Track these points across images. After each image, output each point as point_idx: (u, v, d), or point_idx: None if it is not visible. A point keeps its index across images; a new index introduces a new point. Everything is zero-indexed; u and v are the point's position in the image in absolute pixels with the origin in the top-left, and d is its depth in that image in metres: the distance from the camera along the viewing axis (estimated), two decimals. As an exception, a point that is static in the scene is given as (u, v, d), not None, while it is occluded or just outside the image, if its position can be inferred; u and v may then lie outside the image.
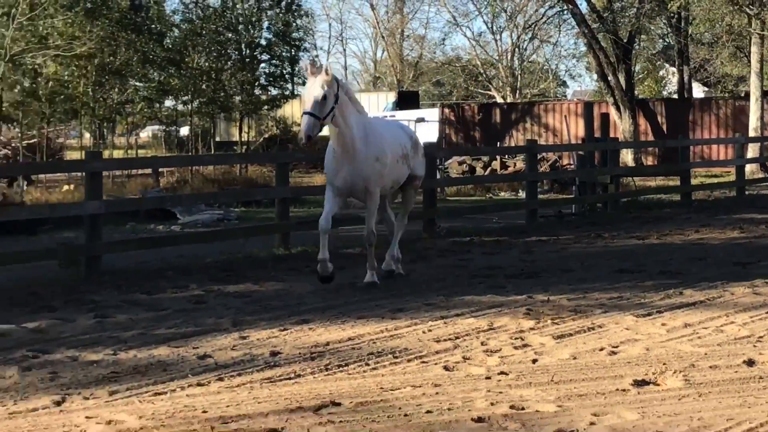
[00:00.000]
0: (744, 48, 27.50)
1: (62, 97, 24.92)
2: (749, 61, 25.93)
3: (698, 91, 36.29)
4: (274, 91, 33.82)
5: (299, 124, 39.37)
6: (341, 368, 6.75)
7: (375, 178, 9.31)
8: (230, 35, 31.52)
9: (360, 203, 11.04)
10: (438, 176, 17.86)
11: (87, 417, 5.44)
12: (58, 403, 5.83)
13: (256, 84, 33.44)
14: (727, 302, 9.70)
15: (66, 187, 18.65)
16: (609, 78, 27.29)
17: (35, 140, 27.86)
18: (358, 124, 10.06)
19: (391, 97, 43.19)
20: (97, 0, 25.69)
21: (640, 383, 6.25)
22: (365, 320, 8.45)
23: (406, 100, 41.83)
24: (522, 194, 17.72)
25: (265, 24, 32.70)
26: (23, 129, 27.34)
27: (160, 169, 20.82)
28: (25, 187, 21.35)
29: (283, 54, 33.52)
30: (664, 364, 6.86)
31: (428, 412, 5.48)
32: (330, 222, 9.78)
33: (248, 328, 8.30)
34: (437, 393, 6.09)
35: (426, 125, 30.51)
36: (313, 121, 8.45)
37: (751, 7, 23.15)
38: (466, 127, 32.66)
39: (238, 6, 31.18)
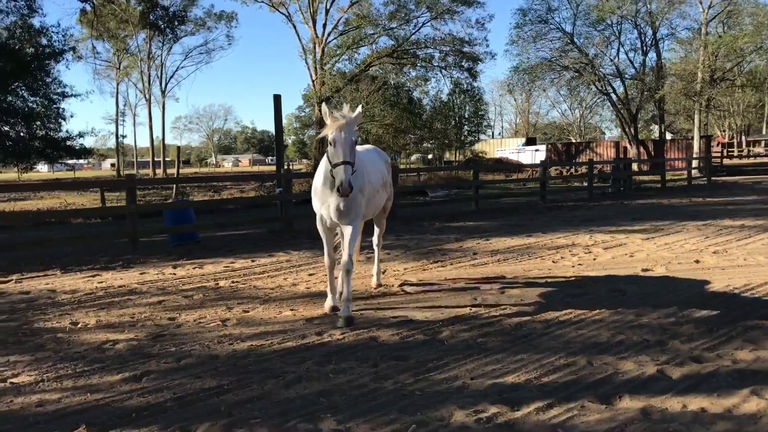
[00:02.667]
0: (692, 115, 45.61)
1: (381, 144, 44.06)
2: (693, 121, 44.21)
3: (668, 136, 55.41)
4: (469, 138, 58.44)
5: (482, 153, 52.89)
6: (505, 260, 10.43)
7: (359, 208, 6.99)
8: (451, 113, 55.71)
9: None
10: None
11: (394, 279, 9.20)
12: (383, 272, 9.57)
13: (463, 134, 57.42)
14: (686, 232, 13.23)
15: None
16: (626, 129, 44.15)
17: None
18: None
19: (522, 139, 71.15)
20: (394, 100, 46.07)
21: (645, 270, 9.31)
22: (513, 238, 12.70)
23: (530, 141, 68.15)
24: (586, 183, 25.21)
25: (467, 108, 57.32)
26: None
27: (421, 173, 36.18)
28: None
29: (472, 119, 58.67)
30: (656, 261, 9.95)
31: (545, 281, 8.79)
32: (335, 256, 7.49)
33: (464, 241, 12.60)
34: (549, 272, 9.35)
35: (540, 153, 53.15)
36: (350, 169, 6.25)
37: (694, 98, 41.04)
38: (559, 153, 52.00)
39: (456, 100, 56.26)
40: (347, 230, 6.89)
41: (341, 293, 6.94)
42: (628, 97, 44.15)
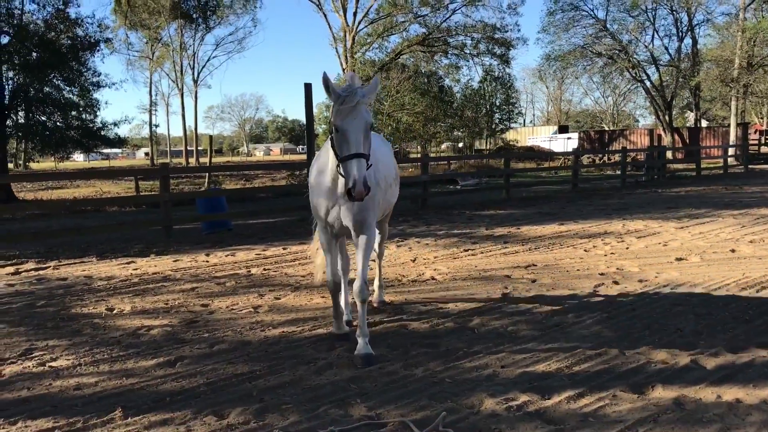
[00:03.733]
0: (728, 102, 44.50)
1: (411, 133, 45.51)
2: (730, 108, 43.34)
3: (704, 123, 53.52)
4: (500, 126, 56.79)
5: (513, 141, 56.58)
6: (536, 249, 10.36)
7: (376, 209, 5.43)
8: (482, 101, 53.84)
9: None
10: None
11: (425, 267, 9.21)
12: (413, 260, 9.67)
13: (494, 122, 55.66)
14: (721, 221, 12.99)
15: (410, 170, 30.80)
16: (660, 117, 43.21)
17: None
18: None
19: (554, 127, 70.17)
20: (425, 88, 45.38)
21: (679, 259, 9.16)
22: (545, 227, 12.59)
23: (562, 129, 67.65)
24: (619, 172, 24.68)
25: (498, 96, 55.20)
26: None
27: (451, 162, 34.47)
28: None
29: (503, 107, 56.30)
30: (690, 250, 9.81)
31: (577, 270, 8.62)
32: (340, 274, 5.83)
33: (494, 230, 12.53)
34: (581, 260, 9.26)
35: (572, 141, 53.09)
36: (365, 164, 4.58)
37: (731, 84, 40.27)
38: (591, 141, 51.28)
39: (487, 87, 53.95)
40: (361, 240, 5.23)
41: (355, 323, 5.50)
42: (662, 83, 43.72)
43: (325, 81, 4.59)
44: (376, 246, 6.62)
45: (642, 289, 7.44)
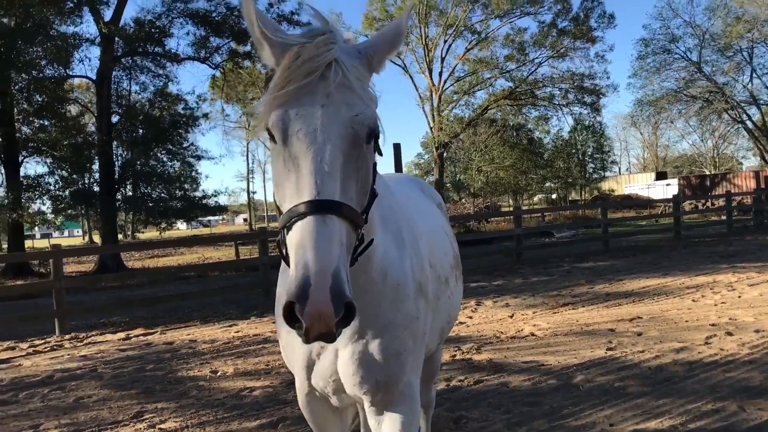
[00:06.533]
0: None
1: (495, 185, 45.56)
2: None
3: None
4: (594, 175, 55.27)
5: (609, 191, 51.37)
6: (640, 300, 9.99)
7: (417, 349, 2.31)
8: (573, 151, 52.78)
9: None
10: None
11: (523, 323, 9.01)
12: (511, 316, 9.51)
13: (587, 171, 54.47)
14: None
15: (503, 223, 30.54)
16: (766, 158, 42.02)
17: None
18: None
19: (652, 174, 67.18)
20: (514, 141, 45.34)
21: None
22: (648, 277, 12.16)
23: (660, 175, 64.46)
24: (724, 217, 23.71)
25: (590, 145, 53.84)
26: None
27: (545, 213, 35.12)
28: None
29: (596, 156, 54.95)
30: None
31: (685, 321, 8.24)
32: None
33: (595, 282, 12.17)
34: (689, 311, 8.86)
35: (671, 187, 49.84)
36: (346, 233, 1.67)
37: None
38: (692, 186, 48.61)
39: (577, 137, 52.94)
40: (386, 426, 2.40)
41: None
42: (765, 123, 41.50)
43: (248, 8, 1.85)
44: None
45: (759, 340, 7.04)
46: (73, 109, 30.54)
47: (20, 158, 23.99)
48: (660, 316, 8.77)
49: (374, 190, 1.90)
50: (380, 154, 1.93)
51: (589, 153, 55.68)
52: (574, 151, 53.47)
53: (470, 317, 9.64)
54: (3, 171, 23.53)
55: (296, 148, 1.74)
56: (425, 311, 2.44)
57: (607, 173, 59.77)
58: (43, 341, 9.97)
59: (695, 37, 40.66)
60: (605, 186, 62.57)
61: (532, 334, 8.15)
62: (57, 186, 25.06)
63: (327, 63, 1.77)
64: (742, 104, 41.03)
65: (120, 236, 46.42)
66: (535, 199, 65.54)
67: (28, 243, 36.34)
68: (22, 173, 24.16)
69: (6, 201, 22.14)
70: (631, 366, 6.29)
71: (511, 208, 38.91)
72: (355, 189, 1.76)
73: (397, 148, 14.99)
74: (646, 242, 20.47)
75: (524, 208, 42.20)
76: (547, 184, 54.62)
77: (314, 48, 1.78)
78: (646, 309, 9.37)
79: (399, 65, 43.39)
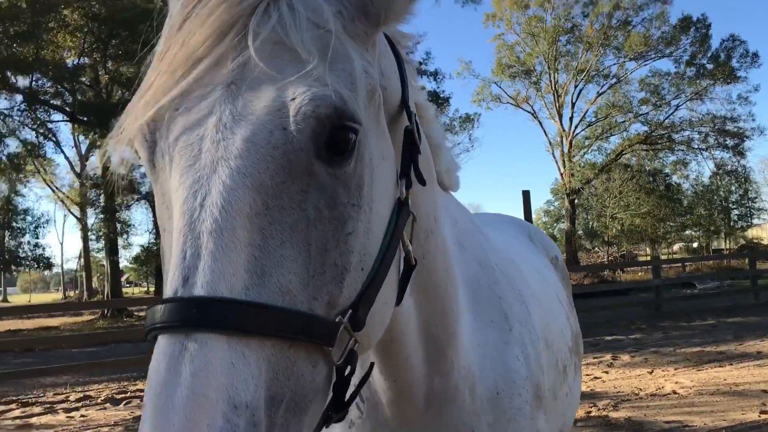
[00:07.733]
0: None
1: (631, 233, 43.93)
2: None
3: None
4: (740, 223, 51.76)
5: (758, 239, 45.13)
6: (756, 366, 9.00)
7: None
8: (715, 197, 49.29)
9: None
10: None
11: (664, 380, 8.68)
12: (650, 372, 9.09)
13: (731, 219, 51.03)
14: None
15: (640, 273, 28.83)
16: None
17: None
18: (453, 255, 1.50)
19: None
20: (650, 187, 43.27)
21: None
22: (738, 343, 11.45)
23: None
24: None
25: (733, 191, 50.42)
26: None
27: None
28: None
29: (741, 202, 51.49)
30: None
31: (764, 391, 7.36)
32: None
33: (744, 338, 11.33)
34: None
35: None
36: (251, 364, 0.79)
37: None
38: None
39: (720, 182, 49.29)
40: None
41: None
42: None
43: None
44: None
45: None
46: None
47: None
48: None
49: (409, 253, 1.18)
50: (422, 182, 1.18)
51: (734, 199, 51.34)
52: (716, 197, 49.59)
53: (606, 372, 9.23)
54: None
55: (167, 185, 0.95)
56: (545, 428, 1.62)
57: (755, 220, 54.81)
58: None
59: None
60: (751, 234, 57.80)
61: (674, 392, 7.71)
62: None
63: (253, 4, 0.94)
64: None
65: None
66: (675, 247, 61.94)
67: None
68: None
69: None
70: (789, 432, 5.71)
71: (649, 257, 37.07)
72: (303, 264, 0.90)
73: (526, 195, 14.82)
74: (803, 295, 18.82)
75: (663, 257, 40.08)
76: (687, 232, 51.53)
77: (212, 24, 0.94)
78: None
79: (528, 111, 43.11)
